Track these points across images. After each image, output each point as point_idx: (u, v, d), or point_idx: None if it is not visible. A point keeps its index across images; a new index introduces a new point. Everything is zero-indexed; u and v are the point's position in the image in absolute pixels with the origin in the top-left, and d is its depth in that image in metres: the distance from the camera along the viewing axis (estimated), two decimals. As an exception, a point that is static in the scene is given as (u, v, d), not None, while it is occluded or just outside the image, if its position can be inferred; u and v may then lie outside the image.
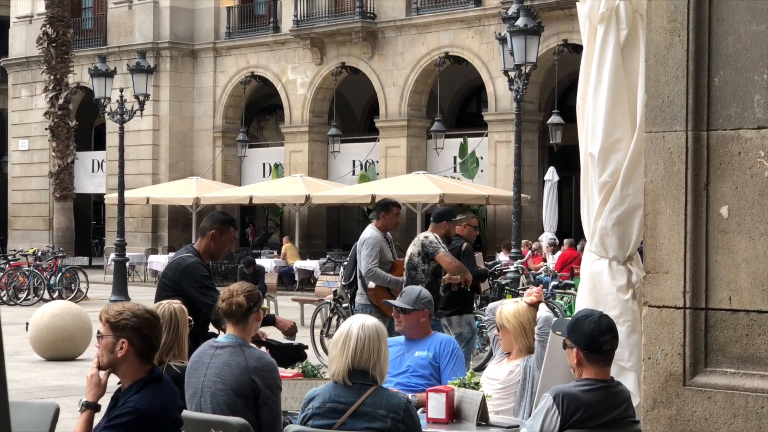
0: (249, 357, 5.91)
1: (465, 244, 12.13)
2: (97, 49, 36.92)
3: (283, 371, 6.55)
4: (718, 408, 3.94)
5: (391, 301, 7.61)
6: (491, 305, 7.55)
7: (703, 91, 4.01)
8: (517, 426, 6.01)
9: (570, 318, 5.65)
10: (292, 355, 7.31)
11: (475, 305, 13.58)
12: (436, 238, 11.27)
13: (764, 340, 3.89)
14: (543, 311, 6.81)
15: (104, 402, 4.87)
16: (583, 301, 6.27)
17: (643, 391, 4.16)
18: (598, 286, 6.23)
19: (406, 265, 11.30)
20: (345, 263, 12.02)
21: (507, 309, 6.87)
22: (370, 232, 11.48)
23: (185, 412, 5.37)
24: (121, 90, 27.67)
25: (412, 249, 11.37)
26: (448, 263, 11.15)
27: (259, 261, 24.47)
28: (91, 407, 4.80)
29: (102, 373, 4.83)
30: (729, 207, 3.96)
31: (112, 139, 36.00)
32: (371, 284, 11.29)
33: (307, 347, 7.54)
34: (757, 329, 3.90)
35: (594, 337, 5.22)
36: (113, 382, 4.87)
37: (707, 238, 4.00)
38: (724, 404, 3.93)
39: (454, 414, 6.16)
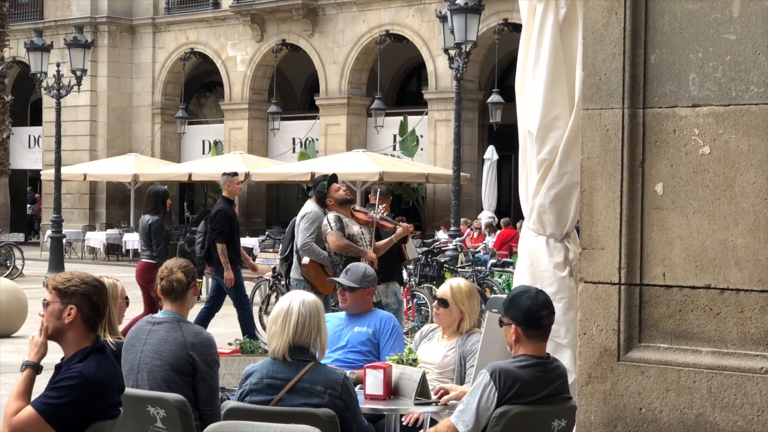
0: (187, 332, 5.89)
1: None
2: (34, 23, 36.37)
3: (221, 347, 6.52)
4: (651, 383, 3.99)
5: (338, 279, 7.45)
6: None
7: (640, 69, 4.04)
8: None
9: (505, 296, 5.68)
10: None
11: (405, 275, 13.20)
12: (335, 217, 10.69)
13: (697, 315, 3.94)
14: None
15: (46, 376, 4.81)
16: (520, 278, 6.29)
17: (578, 366, 4.20)
18: (536, 263, 6.24)
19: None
20: (282, 237, 11.86)
21: (462, 284, 6.81)
22: (310, 206, 11.39)
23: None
24: (58, 65, 27.31)
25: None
26: (332, 243, 10.71)
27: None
28: (31, 366, 4.73)
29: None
30: (664, 184, 4.00)
31: (48, 114, 35.52)
32: (305, 259, 11.15)
33: None
34: (689, 305, 3.95)
35: (533, 312, 5.26)
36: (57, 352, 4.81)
37: (642, 214, 4.04)
38: (657, 379, 3.98)
39: (392, 391, 6.18)
